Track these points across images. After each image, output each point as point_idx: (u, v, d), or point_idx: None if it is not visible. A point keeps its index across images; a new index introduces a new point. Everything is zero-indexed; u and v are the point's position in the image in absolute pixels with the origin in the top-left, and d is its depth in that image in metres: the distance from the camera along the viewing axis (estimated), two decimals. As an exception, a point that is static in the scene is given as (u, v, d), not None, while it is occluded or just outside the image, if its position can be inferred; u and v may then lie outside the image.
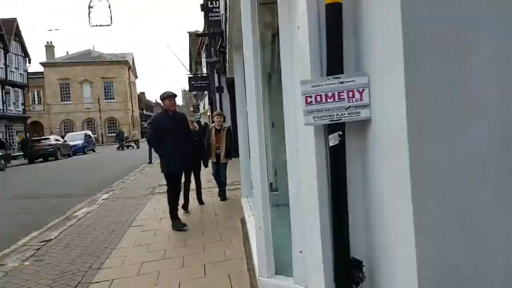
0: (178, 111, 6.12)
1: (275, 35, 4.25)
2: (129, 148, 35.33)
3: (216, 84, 17.41)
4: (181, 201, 6.35)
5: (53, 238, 5.71)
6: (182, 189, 6.51)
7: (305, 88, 2.01)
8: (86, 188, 11.01)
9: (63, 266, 4.43)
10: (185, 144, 5.79)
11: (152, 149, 17.05)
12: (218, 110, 15.25)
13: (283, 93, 2.49)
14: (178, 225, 5.69)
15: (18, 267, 4.53)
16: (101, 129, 53.53)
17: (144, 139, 23.56)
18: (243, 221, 5.54)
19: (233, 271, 3.89)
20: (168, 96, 5.75)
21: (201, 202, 7.34)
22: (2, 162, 20.69)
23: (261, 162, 2.68)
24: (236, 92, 6.28)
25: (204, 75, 23.68)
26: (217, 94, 17.26)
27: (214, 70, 17.72)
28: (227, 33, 5.67)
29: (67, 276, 4.12)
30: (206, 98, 27.32)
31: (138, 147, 32.47)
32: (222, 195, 7.58)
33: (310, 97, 2.00)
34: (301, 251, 2.47)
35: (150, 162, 17.05)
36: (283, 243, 2.89)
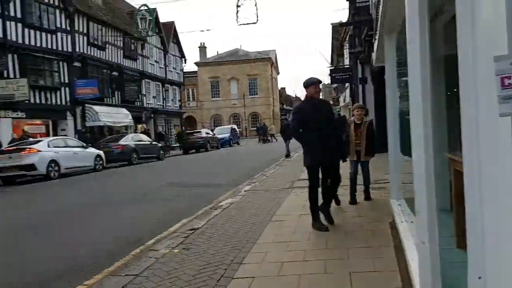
0: (323, 99, 5.77)
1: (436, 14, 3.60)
2: (266, 142, 36.57)
3: (359, 75, 16.68)
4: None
5: (200, 226, 5.92)
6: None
7: (502, 66, 1.48)
8: (230, 179, 11.48)
9: (207, 257, 4.49)
10: (330, 134, 5.34)
11: (289, 143, 17.46)
12: (360, 102, 14.53)
13: (460, 77, 1.96)
14: (318, 225, 5.38)
15: (168, 254, 4.74)
16: (245, 123, 56.51)
17: (279, 134, 23.92)
18: (393, 226, 4.97)
19: (385, 286, 3.42)
20: (313, 83, 5.39)
21: (338, 202, 6.69)
22: (161, 152, 23.06)
23: (427, 163, 2.18)
24: (387, 81, 5.67)
25: (346, 66, 22.99)
26: (360, 86, 16.53)
27: (358, 61, 17.01)
28: (378, 16, 5.12)
29: (210, 268, 4.14)
30: (347, 91, 26.56)
31: (276, 141, 33.26)
32: (366, 194, 6.99)
33: (509, 77, 1.47)
34: (480, 277, 1.92)
35: (287, 156, 17.16)
36: (450, 258, 2.35)
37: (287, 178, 10.46)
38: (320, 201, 5.52)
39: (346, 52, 27.00)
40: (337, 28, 31.25)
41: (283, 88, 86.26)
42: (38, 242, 6.16)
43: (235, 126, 41.44)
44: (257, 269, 4.03)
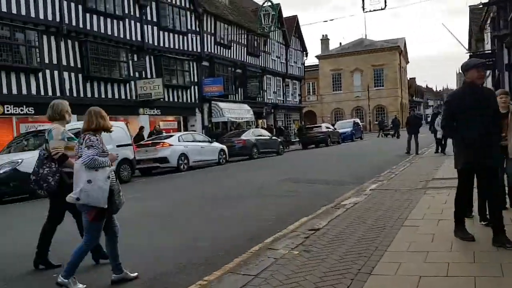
0: (487, 87, 4.76)
1: None
2: (387, 136, 34.50)
3: (506, 61, 14.48)
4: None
5: (321, 227, 5.50)
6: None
7: None
8: (353, 176, 10.83)
9: (330, 263, 4.05)
10: (493, 131, 4.36)
11: (416, 138, 15.87)
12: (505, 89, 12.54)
13: None
14: (462, 233, 4.55)
15: (287, 255, 4.42)
16: (369, 117, 54.19)
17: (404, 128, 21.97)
18: None
19: None
20: (475, 65, 4.37)
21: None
22: (281, 147, 23.12)
23: None
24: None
25: (488, 52, 20.33)
26: (506, 73, 14.36)
27: (503, 45, 14.80)
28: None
29: (334, 276, 3.70)
30: (488, 79, 23.57)
31: (398, 137, 30.97)
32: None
33: None
34: None
35: (408, 153, 15.82)
36: None
37: (419, 177, 9.43)
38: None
39: (487, 36, 23.95)
40: (476, 10, 27.90)
41: (413, 79, 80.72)
42: (163, 231, 6.36)
43: (358, 120, 39.92)
44: (390, 283, 3.47)
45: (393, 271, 3.74)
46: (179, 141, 16.16)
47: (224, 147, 18.56)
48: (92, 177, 3.73)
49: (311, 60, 78.21)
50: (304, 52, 40.65)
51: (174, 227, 6.65)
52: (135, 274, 4.14)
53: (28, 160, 10.34)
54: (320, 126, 30.68)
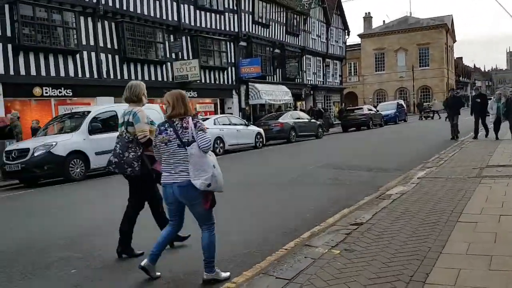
0: None
1: None
2: (428, 119, 33.10)
3: None
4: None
5: (364, 221, 4.95)
6: None
7: None
8: (398, 163, 10.11)
9: (377, 266, 3.52)
10: None
11: (456, 120, 14.61)
12: None
13: None
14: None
15: (326, 255, 3.93)
16: (414, 98, 51.98)
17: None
18: None
19: None
20: None
21: None
22: (320, 130, 22.42)
23: None
24: None
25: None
26: None
27: None
28: None
29: (382, 283, 3.17)
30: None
31: (439, 118, 29.46)
32: None
33: None
34: None
35: (454, 138, 14.72)
36: None
37: (472, 164, 8.60)
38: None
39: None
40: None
41: (460, 58, 76.78)
42: (193, 224, 5.99)
43: (401, 102, 38.28)
44: (450, 298, 2.91)
45: (451, 279, 3.17)
46: (214, 124, 15.83)
47: (261, 130, 18.11)
48: (214, 161, 3.53)
49: (353, 39, 75.46)
50: (346, 31, 39.32)
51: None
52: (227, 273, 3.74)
53: (62, 142, 10.35)
54: (362, 108, 29.53)
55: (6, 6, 14.04)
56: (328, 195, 6.99)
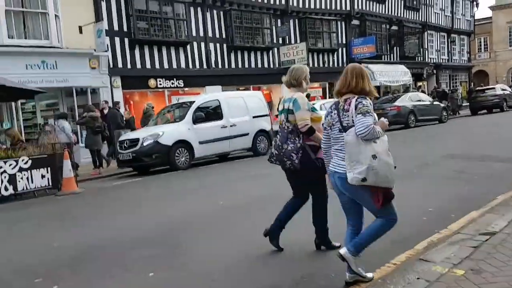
0: None
1: None
2: None
3: None
4: None
5: (497, 230, 3.87)
6: None
7: None
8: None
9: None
10: None
11: None
12: None
13: None
14: None
15: (446, 276, 3.03)
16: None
17: None
18: None
19: None
20: None
21: None
22: (444, 114, 20.16)
23: None
24: None
25: None
26: None
27: None
28: None
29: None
30: None
31: None
32: None
33: None
34: None
35: None
36: None
37: None
38: None
39: None
40: None
41: None
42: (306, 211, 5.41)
43: (543, 80, 32.95)
44: None
45: None
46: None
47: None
48: (375, 151, 2.97)
49: (482, 12, 67.54)
50: (474, 3, 35.05)
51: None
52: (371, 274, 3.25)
53: (168, 132, 10.59)
54: (494, 88, 25.92)
55: (122, 1, 14.91)
56: (451, 193, 5.82)
